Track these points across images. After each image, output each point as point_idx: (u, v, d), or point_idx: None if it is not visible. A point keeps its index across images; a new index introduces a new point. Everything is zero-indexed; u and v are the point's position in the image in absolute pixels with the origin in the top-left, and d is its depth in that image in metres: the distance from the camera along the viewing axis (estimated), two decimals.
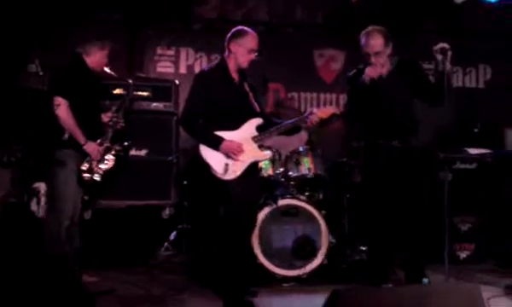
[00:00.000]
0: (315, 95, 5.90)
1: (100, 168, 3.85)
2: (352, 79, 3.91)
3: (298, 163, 4.46)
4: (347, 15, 5.74)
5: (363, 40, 3.81)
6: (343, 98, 5.88)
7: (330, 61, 5.92)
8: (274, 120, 3.78)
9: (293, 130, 3.77)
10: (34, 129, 4.69)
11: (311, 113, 3.66)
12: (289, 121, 3.71)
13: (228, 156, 3.53)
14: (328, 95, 5.92)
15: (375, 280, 3.85)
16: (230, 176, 3.53)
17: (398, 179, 3.81)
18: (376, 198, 3.85)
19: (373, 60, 3.76)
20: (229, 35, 3.66)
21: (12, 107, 4.92)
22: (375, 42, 3.76)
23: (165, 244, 4.89)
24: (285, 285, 4.07)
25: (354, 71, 3.93)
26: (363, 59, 3.83)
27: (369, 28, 3.82)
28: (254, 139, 3.63)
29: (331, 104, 5.81)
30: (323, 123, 3.79)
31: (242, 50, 3.60)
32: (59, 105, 3.70)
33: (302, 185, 4.49)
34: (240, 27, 3.69)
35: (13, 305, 2.90)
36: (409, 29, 5.65)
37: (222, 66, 3.67)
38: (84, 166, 3.79)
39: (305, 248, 4.12)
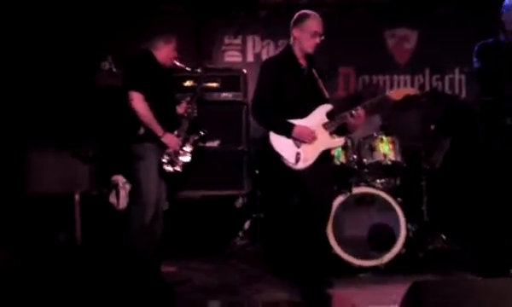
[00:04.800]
0: (388, 77, 5.69)
1: (180, 159, 3.88)
2: (483, 51, 3.67)
3: (372, 149, 4.31)
4: None
5: None
6: (418, 79, 5.63)
7: (403, 41, 5.68)
8: None
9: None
10: (111, 124, 4.84)
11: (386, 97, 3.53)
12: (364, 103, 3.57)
13: (299, 145, 3.48)
14: (402, 76, 5.68)
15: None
16: (302, 165, 3.47)
17: None
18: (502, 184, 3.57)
19: None
20: (292, 21, 3.59)
21: (89, 105, 5.11)
22: None
23: (240, 233, 4.92)
24: (361, 275, 3.99)
25: (484, 42, 3.69)
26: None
27: None
28: (325, 126, 3.54)
29: (405, 85, 5.57)
30: (397, 105, 3.64)
31: (306, 35, 3.52)
32: (134, 99, 3.75)
33: (377, 172, 4.35)
34: (302, 11, 3.61)
35: (92, 297, 3.03)
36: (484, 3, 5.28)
37: (288, 53, 3.60)
38: (165, 159, 3.82)
39: (382, 237, 4.02)
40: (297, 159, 3.47)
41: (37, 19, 5.14)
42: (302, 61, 3.61)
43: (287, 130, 3.48)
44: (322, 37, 3.55)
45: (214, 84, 4.92)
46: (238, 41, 5.79)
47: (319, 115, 3.56)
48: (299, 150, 3.48)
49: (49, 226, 4.65)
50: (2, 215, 4.68)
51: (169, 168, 3.83)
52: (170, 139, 3.83)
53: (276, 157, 3.52)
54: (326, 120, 3.56)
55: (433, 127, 4.56)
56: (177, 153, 3.87)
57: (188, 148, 3.94)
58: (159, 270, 3.85)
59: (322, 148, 3.53)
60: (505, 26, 3.59)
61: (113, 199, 4.62)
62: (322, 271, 3.61)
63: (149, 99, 3.79)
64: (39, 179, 4.79)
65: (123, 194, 4.58)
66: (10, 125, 4.96)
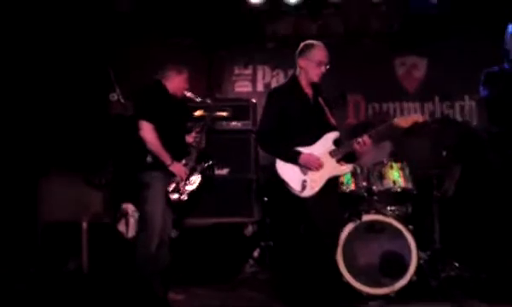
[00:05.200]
0: (397, 104, 5.69)
1: (186, 188, 3.89)
2: (488, 79, 3.72)
3: (381, 176, 4.28)
4: (427, 21, 5.48)
5: None
6: (427, 107, 5.63)
7: (412, 69, 5.70)
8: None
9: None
10: (122, 152, 4.89)
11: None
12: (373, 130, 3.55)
13: (305, 172, 3.46)
14: (411, 103, 5.69)
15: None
16: (308, 192, 3.46)
17: None
18: None
19: None
20: (297, 51, 3.62)
21: (102, 133, 5.18)
22: None
23: (250, 261, 4.87)
24: (372, 303, 3.91)
25: (489, 71, 3.75)
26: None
27: None
28: (332, 153, 3.53)
29: (415, 113, 5.56)
30: (407, 132, 3.61)
31: (312, 64, 3.56)
32: (144, 128, 3.79)
33: (387, 199, 4.29)
34: (307, 41, 3.65)
35: None
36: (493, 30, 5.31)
37: (294, 83, 3.64)
38: (171, 187, 3.84)
39: (393, 265, 3.94)
40: (303, 187, 3.46)
41: (50, 49, 5.28)
42: (308, 90, 3.63)
43: (293, 158, 3.47)
44: (328, 66, 3.58)
45: (224, 114, 4.95)
46: (248, 71, 5.87)
47: (326, 143, 3.56)
48: (306, 177, 3.46)
49: (59, 253, 4.67)
50: (16, 242, 4.73)
51: (175, 196, 3.84)
52: (178, 168, 3.85)
53: (283, 184, 3.51)
54: (333, 147, 3.55)
55: (444, 153, 4.51)
56: (184, 182, 3.88)
57: (195, 178, 3.95)
58: (166, 299, 3.81)
59: (329, 176, 3.51)
60: (510, 54, 3.58)
61: (122, 227, 4.63)
62: (331, 299, 3.55)
63: (159, 128, 3.82)
64: (52, 206, 4.84)
65: (132, 222, 4.59)
66: (25, 153, 5.05)
